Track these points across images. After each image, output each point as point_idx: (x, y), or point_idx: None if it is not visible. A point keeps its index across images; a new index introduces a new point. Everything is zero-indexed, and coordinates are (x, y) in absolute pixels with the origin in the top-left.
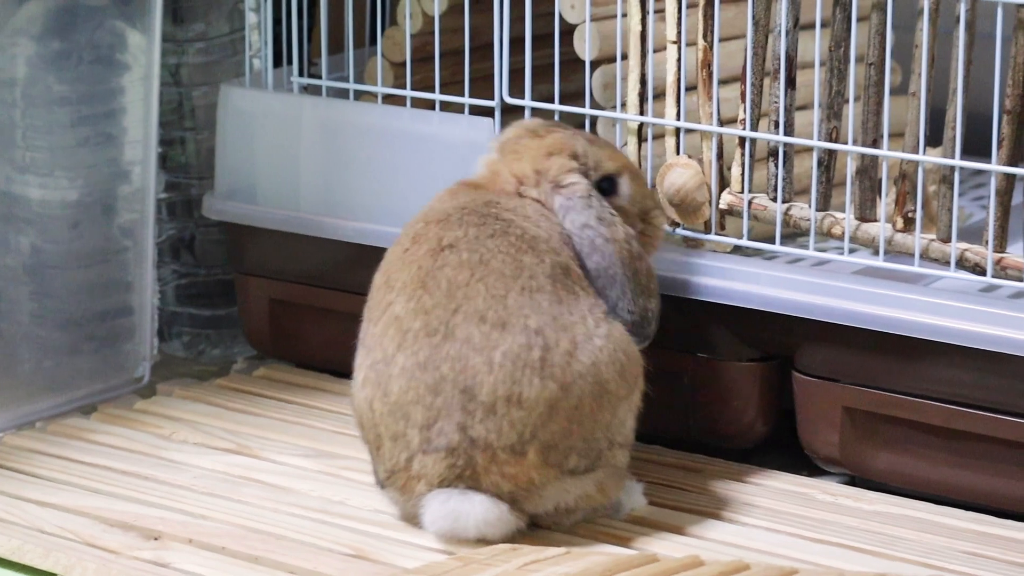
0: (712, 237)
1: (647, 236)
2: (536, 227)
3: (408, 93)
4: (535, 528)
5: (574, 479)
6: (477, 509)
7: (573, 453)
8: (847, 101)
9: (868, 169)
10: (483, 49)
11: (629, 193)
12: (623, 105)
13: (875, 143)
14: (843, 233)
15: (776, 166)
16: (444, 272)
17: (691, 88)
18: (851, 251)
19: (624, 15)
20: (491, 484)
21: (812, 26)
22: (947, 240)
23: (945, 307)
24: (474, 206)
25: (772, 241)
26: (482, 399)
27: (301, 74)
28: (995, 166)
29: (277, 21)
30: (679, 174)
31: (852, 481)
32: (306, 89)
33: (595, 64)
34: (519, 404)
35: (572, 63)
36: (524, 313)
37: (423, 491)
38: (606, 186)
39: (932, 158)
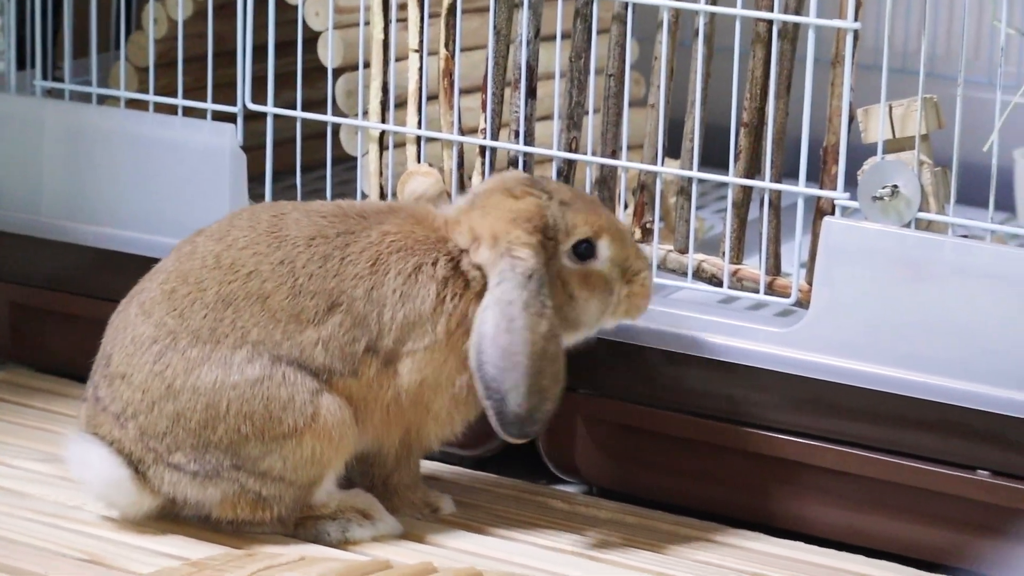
0: None
1: (631, 298)
2: (340, 273)
3: (151, 98)
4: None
5: (189, 478)
6: (98, 463)
7: (178, 452)
8: (587, 112)
9: (607, 180)
10: (227, 55)
11: (608, 256)
12: (365, 113)
13: (614, 154)
14: None
15: None
16: (195, 259)
17: (433, 97)
18: None
19: (367, 23)
20: (108, 441)
21: (553, 37)
22: (684, 251)
23: (682, 318)
24: (327, 231)
25: None
26: (111, 368)
27: (45, 77)
28: (732, 178)
29: (21, 23)
30: (419, 182)
31: (589, 490)
32: (50, 92)
33: (338, 72)
34: (128, 383)
35: (316, 70)
36: (173, 314)
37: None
38: (584, 250)
39: (670, 169)
